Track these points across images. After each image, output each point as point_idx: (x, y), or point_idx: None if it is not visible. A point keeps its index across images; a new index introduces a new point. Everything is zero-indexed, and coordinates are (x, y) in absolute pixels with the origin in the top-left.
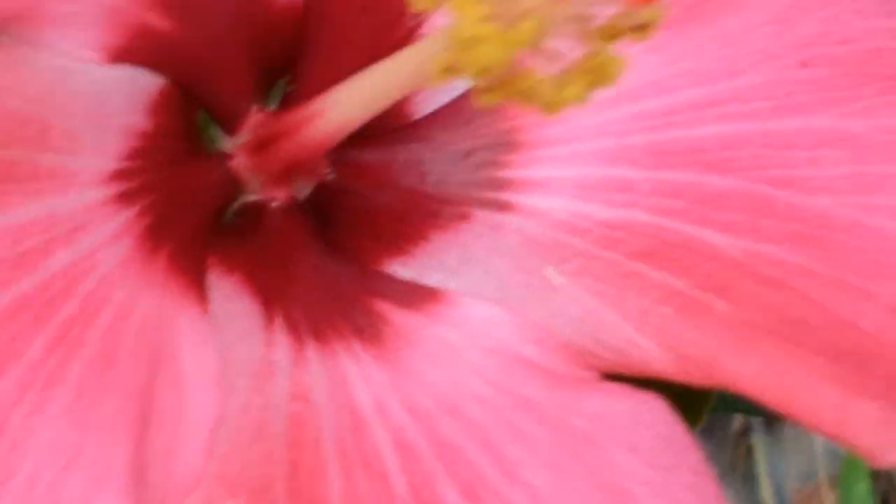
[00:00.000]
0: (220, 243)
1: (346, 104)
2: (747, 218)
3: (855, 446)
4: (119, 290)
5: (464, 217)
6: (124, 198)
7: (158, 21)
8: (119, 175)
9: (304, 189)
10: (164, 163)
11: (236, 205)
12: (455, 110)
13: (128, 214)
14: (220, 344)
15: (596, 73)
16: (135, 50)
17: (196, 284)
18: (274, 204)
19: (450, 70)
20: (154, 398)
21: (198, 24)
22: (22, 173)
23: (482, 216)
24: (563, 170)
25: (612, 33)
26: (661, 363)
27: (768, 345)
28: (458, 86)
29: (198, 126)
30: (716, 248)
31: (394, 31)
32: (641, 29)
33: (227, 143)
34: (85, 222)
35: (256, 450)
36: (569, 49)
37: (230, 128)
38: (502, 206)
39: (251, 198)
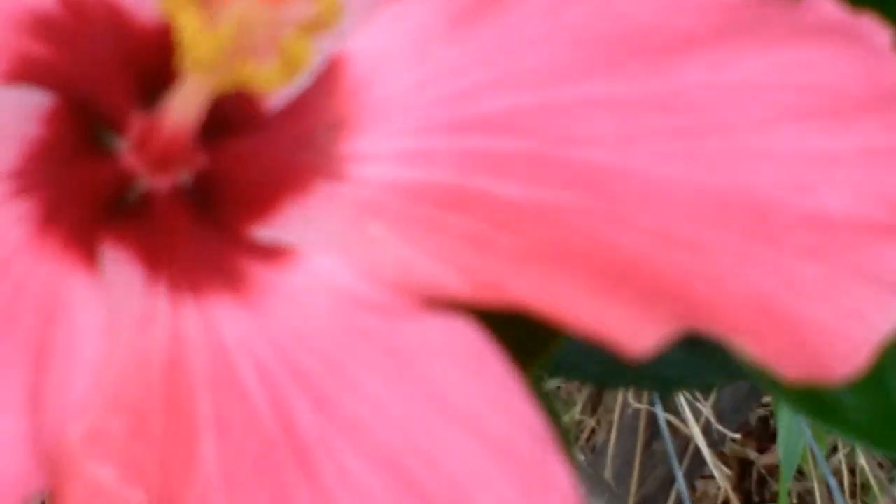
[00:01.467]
0: (115, 226)
1: (178, 107)
2: (529, 172)
3: (611, 340)
4: (17, 265)
5: (308, 187)
6: (22, 192)
7: (36, 48)
8: (17, 174)
9: (185, 177)
10: (60, 163)
11: (131, 196)
12: (300, 102)
13: (25, 205)
14: (109, 301)
15: (289, 60)
16: (20, 73)
17: (88, 257)
18: (161, 191)
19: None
20: (51, 345)
21: (72, 48)
22: None
23: (323, 185)
24: (384, 143)
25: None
26: (465, 291)
27: (542, 267)
28: (301, 83)
29: (95, 131)
30: (504, 197)
31: None
32: (319, 26)
33: (119, 144)
34: None
35: (138, 380)
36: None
37: (120, 131)
38: (337, 176)
39: (142, 188)
